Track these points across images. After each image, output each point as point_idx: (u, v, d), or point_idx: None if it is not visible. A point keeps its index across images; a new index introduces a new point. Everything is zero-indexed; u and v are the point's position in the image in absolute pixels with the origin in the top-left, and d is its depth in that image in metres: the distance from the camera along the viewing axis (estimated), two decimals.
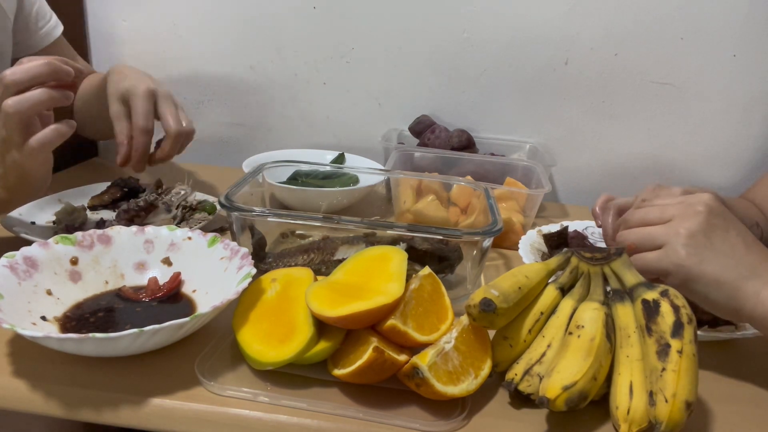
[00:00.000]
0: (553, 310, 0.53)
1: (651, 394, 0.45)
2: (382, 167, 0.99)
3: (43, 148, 0.62)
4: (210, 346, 0.54)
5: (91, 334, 0.46)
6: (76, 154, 1.16)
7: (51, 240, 0.61)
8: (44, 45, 0.93)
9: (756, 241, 0.55)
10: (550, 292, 0.53)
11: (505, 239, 0.84)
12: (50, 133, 0.62)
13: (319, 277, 0.58)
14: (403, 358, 0.49)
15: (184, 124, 0.81)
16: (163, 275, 0.64)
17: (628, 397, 0.47)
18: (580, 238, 0.77)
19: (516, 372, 0.51)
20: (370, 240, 0.68)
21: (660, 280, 0.54)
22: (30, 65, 0.61)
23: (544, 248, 0.77)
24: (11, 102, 0.60)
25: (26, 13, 0.89)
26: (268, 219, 0.67)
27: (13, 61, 0.88)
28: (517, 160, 1.05)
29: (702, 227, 0.53)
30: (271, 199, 0.88)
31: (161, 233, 0.66)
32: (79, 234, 0.63)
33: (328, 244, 0.69)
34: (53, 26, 0.94)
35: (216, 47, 1.16)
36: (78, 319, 0.57)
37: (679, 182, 0.90)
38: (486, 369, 0.50)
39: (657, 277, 0.54)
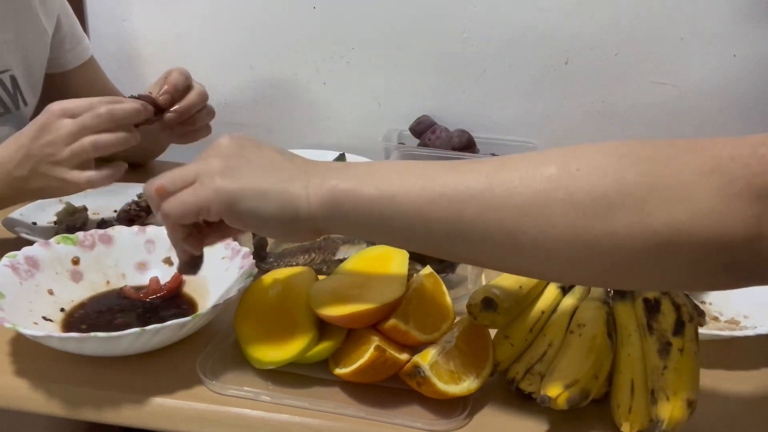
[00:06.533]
0: (554, 309, 0.53)
1: (652, 393, 0.45)
2: None
3: (86, 185, 0.64)
4: (211, 346, 0.54)
5: (92, 334, 0.46)
6: None
7: (52, 240, 0.61)
8: (74, 65, 0.97)
9: (296, 155, 0.49)
10: (551, 291, 0.54)
11: None
12: (102, 177, 0.65)
13: (321, 277, 0.58)
14: (404, 357, 0.49)
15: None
16: (164, 275, 0.64)
17: (629, 396, 0.47)
18: None
19: (517, 371, 0.51)
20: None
21: (209, 224, 0.49)
22: (128, 107, 0.64)
23: None
24: (91, 139, 0.62)
25: (62, 33, 0.94)
26: None
27: (46, 77, 0.93)
28: None
29: (231, 150, 0.47)
30: None
31: (162, 233, 0.65)
32: (80, 234, 0.63)
33: (329, 243, 0.69)
34: (84, 48, 0.98)
35: (216, 47, 1.16)
36: (79, 319, 0.57)
37: None
38: (487, 368, 0.50)
39: (201, 220, 0.47)
